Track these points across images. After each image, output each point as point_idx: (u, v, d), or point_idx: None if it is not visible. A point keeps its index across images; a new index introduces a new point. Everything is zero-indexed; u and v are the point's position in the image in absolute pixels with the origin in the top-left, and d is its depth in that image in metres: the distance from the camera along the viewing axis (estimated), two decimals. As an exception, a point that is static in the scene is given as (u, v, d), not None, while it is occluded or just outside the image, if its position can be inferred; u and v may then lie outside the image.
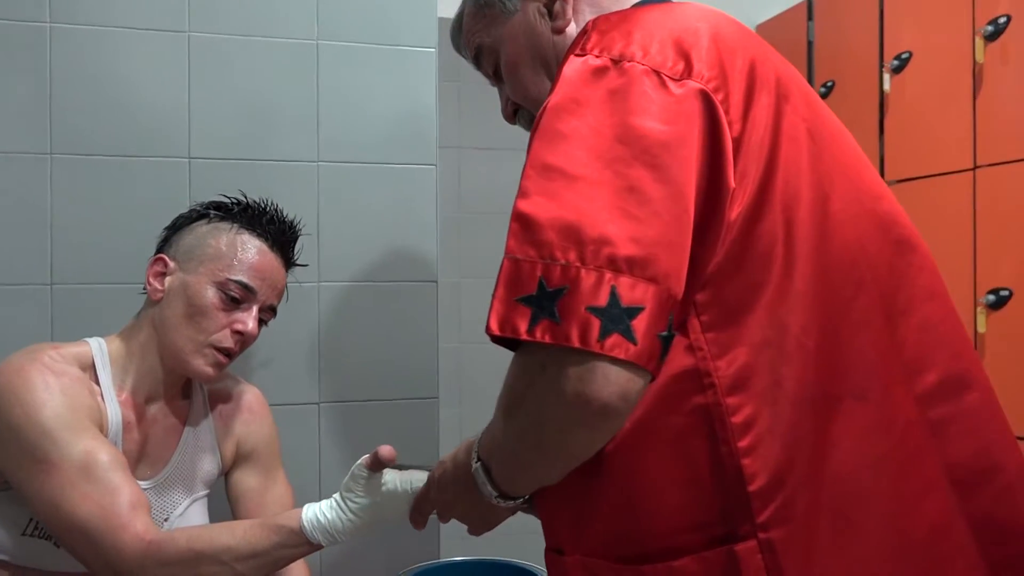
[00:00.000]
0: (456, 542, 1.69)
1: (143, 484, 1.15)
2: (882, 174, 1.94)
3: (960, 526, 0.84)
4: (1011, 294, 1.63)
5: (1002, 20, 1.66)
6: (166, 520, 1.19)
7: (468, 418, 2.50)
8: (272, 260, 1.21)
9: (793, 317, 0.78)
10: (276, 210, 1.25)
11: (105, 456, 1.05)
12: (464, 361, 2.55)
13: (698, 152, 0.75)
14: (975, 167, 1.72)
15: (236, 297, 1.16)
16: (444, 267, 1.87)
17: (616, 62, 0.76)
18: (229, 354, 1.17)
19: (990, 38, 1.68)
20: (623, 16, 0.83)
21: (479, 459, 0.87)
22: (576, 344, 0.69)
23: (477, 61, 1.08)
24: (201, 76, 1.47)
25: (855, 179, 0.87)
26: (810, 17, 2.26)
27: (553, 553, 0.88)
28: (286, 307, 1.31)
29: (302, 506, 1.08)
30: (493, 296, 0.74)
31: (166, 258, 1.19)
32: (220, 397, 1.31)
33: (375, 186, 1.56)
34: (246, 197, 1.25)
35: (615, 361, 0.70)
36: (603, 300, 0.69)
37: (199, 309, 1.14)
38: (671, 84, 0.76)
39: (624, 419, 0.74)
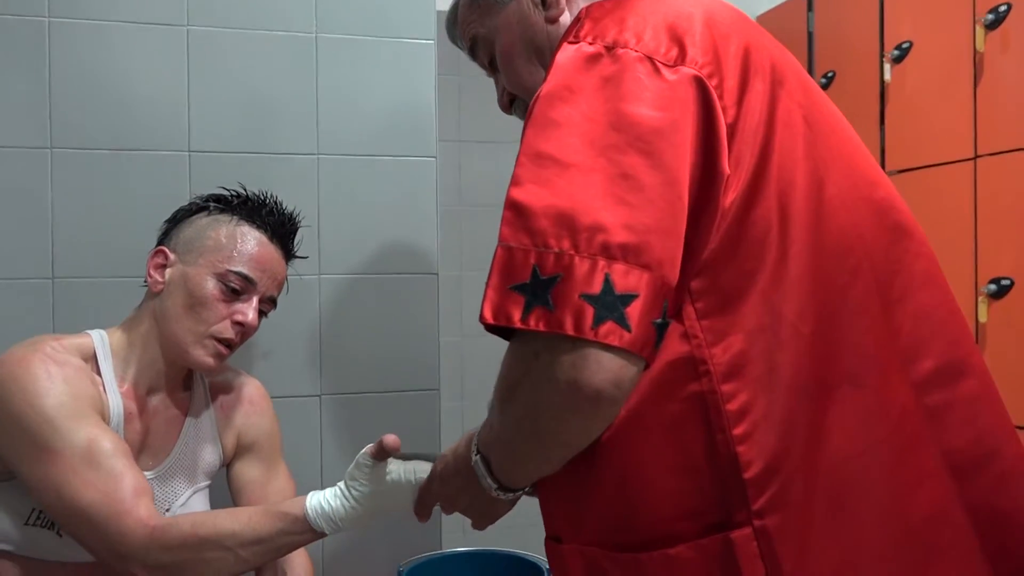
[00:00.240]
0: (457, 534, 1.70)
1: (145, 474, 1.15)
2: (883, 164, 1.93)
3: (957, 513, 0.83)
4: (1012, 283, 1.63)
5: (1002, 8, 1.65)
6: (167, 510, 1.20)
7: (470, 411, 2.51)
8: (272, 251, 1.22)
9: (788, 304, 0.78)
10: (276, 202, 1.26)
11: (108, 444, 1.05)
12: (466, 354, 2.56)
13: (692, 138, 0.75)
14: (976, 156, 1.71)
15: (236, 288, 1.17)
16: (445, 261, 1.88)
17: (609, 49, 0.76)
18: (230, 345, 1.18)
19: (991, 27, 1.67)
20: (617, 3, 0.82)
21: (479, 452, 0.87)
22: (570, 332, 0.69)
23: (473, 52, 1.08)
24: (200, 70, 1.48)
25: (850, 165, 0.87)
26: (810, 8, 2.25)
27: (551, 541, 0.88)
28: (287, 299, 1.32)
29: (306, 494, 1.08)
30: (487, 284, 0.74)
31: (166, 250, 1.20)
32: (221, 389, 1.32)
33: (375, 179, 1.56)
34: (246, 190, 1.26)
35: (608, 348, 0.70)
36: (597, 288, 0.69)
37: (200, 300, 1.15)
38: (664, 70, 0.76)
39: (619, 406, 0.75)
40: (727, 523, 0.77)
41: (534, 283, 0.71)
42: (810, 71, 2.21)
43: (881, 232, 0.86)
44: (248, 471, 1.31)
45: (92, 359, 1.15)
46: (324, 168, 1.54)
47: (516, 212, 0.73)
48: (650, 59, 0.76)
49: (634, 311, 0.70)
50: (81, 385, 1.09)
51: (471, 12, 1.04)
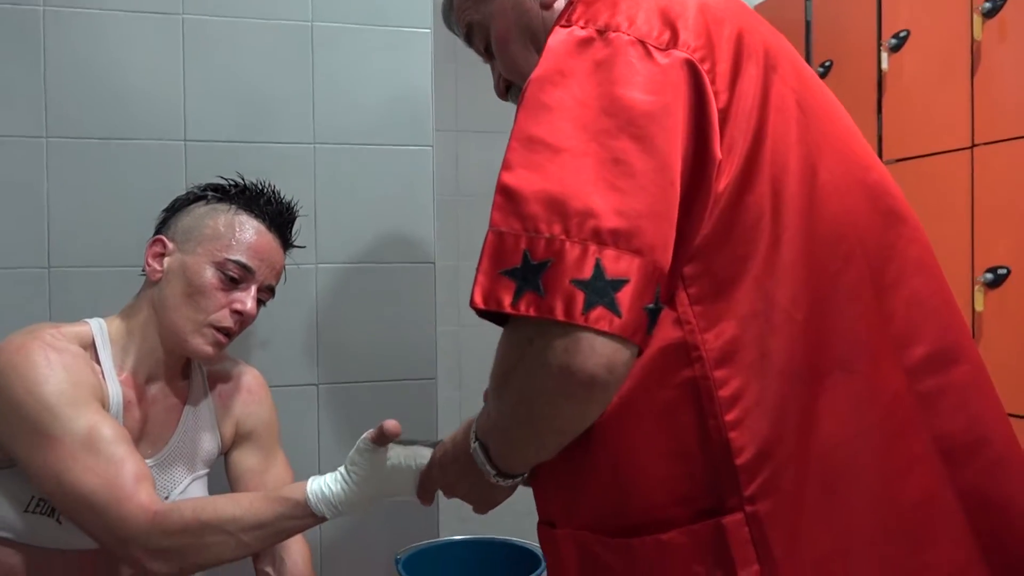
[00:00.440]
0: (455, 523, 1.71)
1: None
2: (880, 153, 1.93)
3: (948, 498, 0.84)
4: (1009, 272, 1.63)
5: (1000, -3, 1.65)
6: (167, 498, 1.20)
7: (467, 401, 2.52)
8: (270, 240, 1.22)
9: (781, 290, 0.78)
10: (273, 191, 1.26)
11: (108, 430, 1.06)
12: (463, 344, 2.56)
13: (684, 123, 0.75)
14: (973, 145, 1.71)
15: (234, 277, 1.17)
16: (442, 251, 1.88)
17: (601, 33, 0.76)
18: (228, 334, 1.18)
19: (988, 15, 1.67)
20: None
21: (477, 439, 0.87)
22: (560, 317, 0.69)
23: (468, 38, 1.08)
24: (195, 59, 1.47)
25: (844, 150, 0.86)
26: (808, -3, 2.24)
27: (545, 526, 0.89)
28: (284, 289, 1.32)
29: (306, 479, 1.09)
30: (477, 269, 0.74)
31: (165, 239, 1.20)
32: (219, 378, 1.33)
33: (372, 168, 1.56)
34: (244, 179, 1.26)
35: (601, 333, 0.70)
36: (587, 273, 0.69)
37: (198, 289, 1.15)
38: (657, 54, 0.75)
39: (612, 391, 0.74)
40: (719, 509, 0.77)
41: (525, 268, 0.71)
42: (808, 60, 2.20)
43: (874, 217, 0.86)
44: (246, 459, 1.32)
45: (91, 347, 1.16)
46: (320, 157, 1.54)
47: (507, 197, 0.73)
48: (642, 43, 0.75)
49: (625, 296, 0.70)
50: (81, 372, 1.09)
51: None
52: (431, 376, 1.60)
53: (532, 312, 0.70)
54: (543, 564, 1.36)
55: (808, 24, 2.23)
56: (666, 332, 0.77)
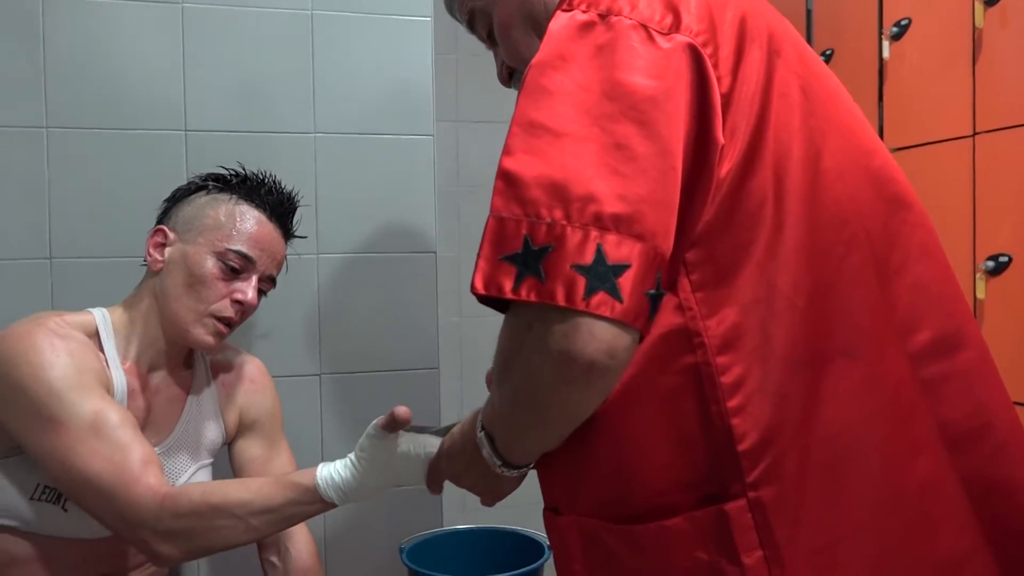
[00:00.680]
0: (459, 513, 1.71)
1: None
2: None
3: (952, 484, 0.84)
4: (1010, 260, 1.63)
5: (1002, -16, 1.64)
6: (171, 487, 1.21)
7: (469, 391, 2.52)
8: (271, 231, 1.22)
9: (783, 276, 0.78)
10: (274, 181, 1.26)
11: (114, 415, 1.06)
12: (465, 334, 2.56)
13: (686, 107, 0.74)
14: (974, 133, 1.71)
15: (235, 267, 1.17)
16: (444, 241, 1.88)
17: (603, 17, 0.75)
18: (229, 323, 1.18)
19: (989, 3, 1.66)
20: None
21: (483, 429, 0.87)
22: (561, 302, 0.69)
23: (471, 25, 1.07)
24: (195, 47, 1.47)
25: (848, 135, 0.86)
26: (810, -15, 2.24)
27: (550, 512, 0.89)
28: (286, 279, 1.32)
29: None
30: (478, 255, 0.74)
31: (166, 229, 1.20)
32: (222, 367, 1.33)
33: (372, 157, 1.56)
34: (245, 169, 1.26)
35: (601, 318, 0.69)
36: (589, 258, 0.69)
37: (199, 279, 1.16)
38: (659, 38, 0.74)
39: (614, 377, 0.74)
40: (721, 495, 0.77)
41: (525, 253, 0.70)
42: (809, 49, 2.19)
43: (878, 203, 0.85)
44: (250, 449, 1.32)
45: (95, 336, 1.16)
46: (321, 147, 1.54)
47: (508, 182, 0.72)
48: (644, 27, 0.74)
49: (626, 282, 0.69)
50: (85, 359, 1.09)
51: None
52: (433, 366, 1.60)
53: (533, 297, 0.70)
54: (547, 553, 1.36)
55: (809, 12, 2.23)
56: (668, 318, 0.77)
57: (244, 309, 1.19)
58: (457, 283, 2.51)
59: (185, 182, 1.28)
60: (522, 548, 1.44)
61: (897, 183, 0.88)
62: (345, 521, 1.55)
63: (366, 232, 1.56)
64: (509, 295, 0.71)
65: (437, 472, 1.02)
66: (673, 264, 0.76)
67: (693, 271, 0.77)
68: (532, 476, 0.93)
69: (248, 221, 1.20)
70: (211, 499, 1.05)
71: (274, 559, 1.32)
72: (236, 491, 1.06)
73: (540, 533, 1.34)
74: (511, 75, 1.06)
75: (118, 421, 1.05)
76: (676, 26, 0.76)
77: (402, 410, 1.03)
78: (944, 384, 0.85)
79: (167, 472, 1.21)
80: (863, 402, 0.81)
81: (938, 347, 0.85)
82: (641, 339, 0.75)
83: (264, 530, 1.07)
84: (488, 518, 1.47)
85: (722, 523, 0.76)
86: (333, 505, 1.07)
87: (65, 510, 1.12)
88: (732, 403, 0.76)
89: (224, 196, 1.21)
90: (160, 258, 1.19)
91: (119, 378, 1.15)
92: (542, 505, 0.91)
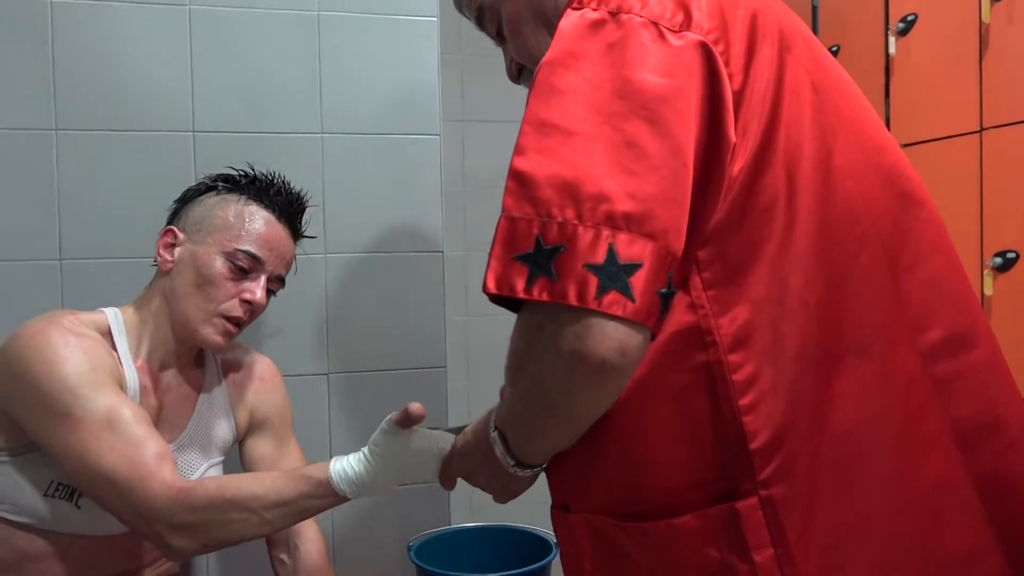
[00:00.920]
0: (466, 511, 1.72)
1: None
2: (888, 139, 1.92)
3: (963, 482, 0.83)
4: (1017, 256, 1.62)
5: (1009, -21, 1.64)
6: (183, 485, 1.21)
7: (476, 390, 2.52)
8: (280, 231, 1.23)
9: (795, 273, 0.78)
10: (283, 182, 1.27)
11: (128, 411, 1.06)
12: (472, 334, 2.57)
13: (697, 105, 0.74)
14: (981, 129, 1.70)
15: (244, 267, 1.18)
16: (451, 241, 1.88)
17: (614, 15, 0.75)
18: (238, 323, 1.19)
19: (997, -2, 1.66)
20: None
21: (496, 428, 0.87)
22: (574, 302, 0.69)
23: (480, 21, 1.07)
24: (202, 49, 1.48)
25: (858, 132, 0.85)
26: (815, -19, 2.23)
27: (559, 510, 0.89)
28: (294, 278, 1.32)
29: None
30: (490, 254, 0.74)
31: (175, 229, 1.21)
32: (232, 366, 1.33)
33: (379, 157, 1.56)
34: (254, 169, 1.26)
35: (613, 317, 0.69)
36: (600, 257, 0.69)
37: (208, 279, 1.16)
38: (670, 36, 0.74)
39: (626, 376, 0.74)
40: (733, 493, 0.77)
41: (537, 253, 0.70)
42: (815, 46, 2.19)
43: (890, 200, 0.85)
44: (260, 447, 1.33)
45: (107, 335, 1.16)
46: (328, 147, 1.54)
47: (519, 182, 0.72)
48: (655, 24, 0.74)
49: (638, 281, 0.69)
50: (99, 356, 1.10)
51: None
52: (441, 365, 1.60)
53: (545, 297, 0.70)
54: (554, 551, 1.36)
55: (815, 8, 2.22)
56: (680, 316, 0.77)
57: (253, 309, 1.19)
58: (464, 282, 2.51)
59: (194, 183, 1.28)
60: (530, 546, 1.44)
61: (908, 180, 0.88)
62: (354, 519, 1.55)
63: (373, 232, 1.56)
64: (521, 294, 0.71)
65: (450, 470, 1.02)
66: (685, 262, 0.76)
67: (705, 269, 0.77)
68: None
69: (257, 221, 1.20)
70: (225, 493, 1.05)
71: (284, 556, 1.32)
72: (250, 485, 1.07)
73: (547, 531, 1.34)
74: (520, 72, 1.06)
75: (132, 416, 1.06)
76: (687, 24, 0.75)
77: (416, 407, 1.03)
78: (955, 381, 0.85)
79: (179, 470, 1.21)
80: (874, 400, 0.80)
81: (949, 345, 0.85)
82: (653, 338, 0.75)
83: (278, 523, 1.08)
84: (495, 516, 1.47)
85: (733, 521, 0.76)
86: (346, 499, 1.07)
87: (78, 507, 1.12)
88: (744, 401, 0.76)
89: (233, 196, 1.21)
90: (170, 258, 1.19)
91: (132, 376, 1.15)
92: (549, 503, 0.91)
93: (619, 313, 0.69)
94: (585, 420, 0.79)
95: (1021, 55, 1.62)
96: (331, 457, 1.09)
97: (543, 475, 0.92)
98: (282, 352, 1.49)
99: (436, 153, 1.59)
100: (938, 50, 1.82)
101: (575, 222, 0.70)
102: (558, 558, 0.97)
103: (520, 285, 0.71)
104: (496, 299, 0.75)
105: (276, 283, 1.24)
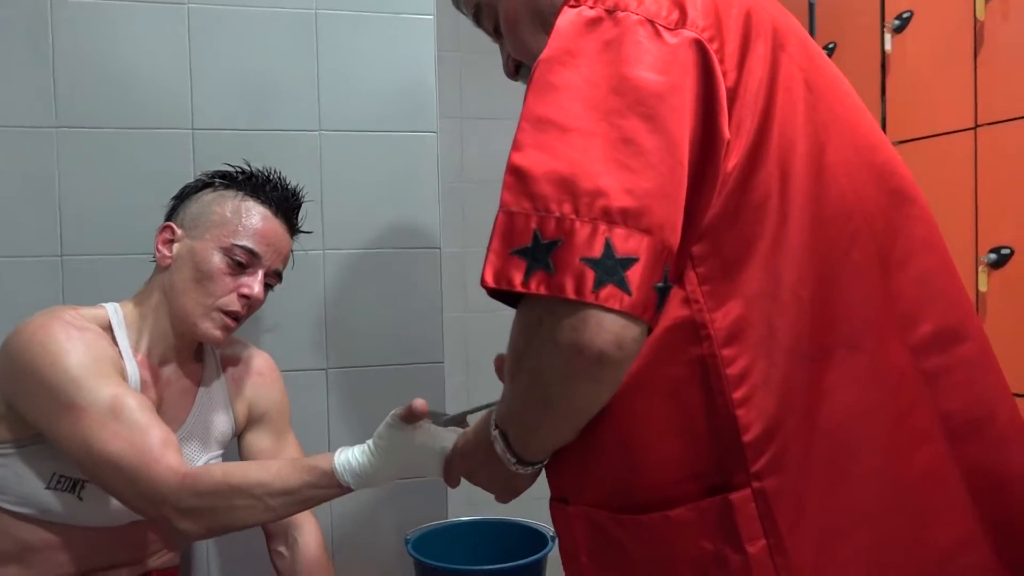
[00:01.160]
0: (464, 506, 1.73)
1: None
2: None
3: (953, 476, 0.84)
4: (1012, 252, 1.63)
5: (1004, -23, 1.64)
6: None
7: (474, 386, 2.53)
8: (276, 226, 1.23)
9: (788, 269, 0.78)
10: (280, 178, 1.27)
11: (132, 399, 1.08)
12: (470, 330, 2.57)
13: (692, 102, 0.75)
14: (976, 126, 1.71)
15: (242, 262, 1.19)
16: (448, 237, 1.89)
17: (610, 12, 0.76)
18: (236, 318, 1.20)
19: (991, -4, 1.67)
20: None
21: (497, 426, 0.88)
22: (571, 295, 0.70)
23: (477, 18, 1.07)
24: (201, 47, 1.48)
25: (852, 130, 0.86)
26: (811, -21, 2.24)
27: (557, 503, 0.89)
28: (292, 274, 1.33)
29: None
30: (488, 249, 0.74)
31: (174, 226, 1.22)
32: (231, 361, 1.34)
33: (377, 154, 1.57)
34: (250, 166, 1.27)
35: (609, 310, 0.70)
36: (597, 252, 0.69)
37: (206, 274, 1.17)
38: (665, 33, 0.75)
39: (623, 369, 0.75)
40: (726, 485, 0.78)
41: (535, 247, 0.71)
42: (811, 43, 2.19)
43: (882, 196, 0.86)
44: (259, 441, 1.34)
45: (108, 329, 1.18)
46: (326, 144, 1.55)
47: (517, 177, 0.73)
48: (651, 22, 0.75)
49: (635, 275, 0.70)
50: (101, 348, 1.11)
51: None
52: (438, 360, 1.61)
53: (543, 290, 0.71)
54: (550, 544, 1.37)
55: (811, 6, 2.23)
56: (675, 311, 0.78)
57: (250, 303, 1.20)
58: (462, 278, 2.52)
59: (192, 180, 1.29)
60: (526, 539, 1.45)
61: (900, 177, 0.88)
62: (352, 513, 1.56)
63: (371, 228, 1.57)
64: (519, 288, 0.72)
65: (452, 468, 1.03)
66: (680, 257, 0.76)
67: (700, 264, 0.78)
68: (537, 469, 0.94)
69: (254, 217, 1.21)
70: (231, 479, 1.06)
71: (282, 549, 1.34)
72: (255, 472, 1.08)
73: (544, 524, 1.35)
74: (517, 68, 1.06)
75: (136, 405, 1.07)
76: (682, 21, 0.76)
77: (419, 402, 1.04)
78: (945, 376, 0.85)
79: (180, 460, 1.23)
80: (865, 394, 0.81)
81: (940, 339, 0.86)
82: (649, 331, 0.75)
83: (281, 511, 1.09)
84: (493, 510, 1.48)
85: (726, 513, 0.77)
86: (349, 490, 1.08)
87: (80, 499, 1.13)
88: (737, 394, 0.77)
89: (230, 193, 1.22)
90: (168, 254, 1.20)
91: (132, 370, 1.16)
92: (546, 498, 0.91)
93: (616, 306, 0.70)
94: (584, 414, 0.80)
95: (1016, 52, 1.63)
96: (329, 451, 1.10)
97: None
98: (281, 347, 1.50)
99: (433, 150, 1.60)
100: (934, 47, 1.83)
101: (572, 217, 0.70)
102: (554, 551, 0.98)
103: (518, 279, 0.72)
104: (494, 293, 0.76)
105: (273, 278, 1.25)
